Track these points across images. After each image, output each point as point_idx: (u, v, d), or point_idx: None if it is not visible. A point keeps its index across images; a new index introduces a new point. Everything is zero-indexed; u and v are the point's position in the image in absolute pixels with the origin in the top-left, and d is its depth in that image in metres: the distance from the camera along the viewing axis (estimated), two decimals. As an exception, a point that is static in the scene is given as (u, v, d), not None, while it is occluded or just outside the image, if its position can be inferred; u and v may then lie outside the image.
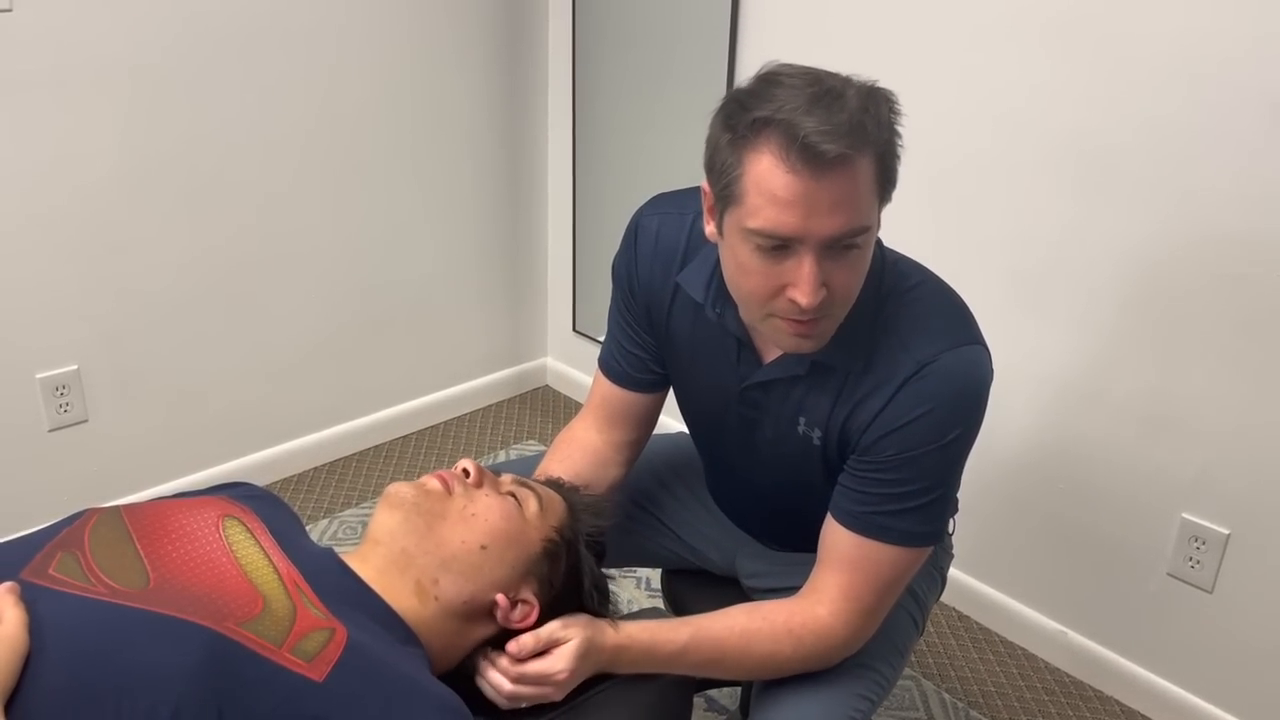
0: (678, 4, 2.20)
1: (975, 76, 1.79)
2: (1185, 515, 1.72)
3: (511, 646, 1.03)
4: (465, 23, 2.41)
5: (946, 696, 1.90)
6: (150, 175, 2.04)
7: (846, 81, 0.97)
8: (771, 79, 0.97)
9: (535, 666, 1.03)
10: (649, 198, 1.29)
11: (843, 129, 0.92)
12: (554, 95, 2.60)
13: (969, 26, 1.77)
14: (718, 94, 2.21)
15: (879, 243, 1.12)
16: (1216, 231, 1.58)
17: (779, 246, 0.97)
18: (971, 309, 1.14)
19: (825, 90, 0.94)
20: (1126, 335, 1.73)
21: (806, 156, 0.92)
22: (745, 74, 2.10)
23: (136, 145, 2.00)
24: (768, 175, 0.94)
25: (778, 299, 1.00)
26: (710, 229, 1.06)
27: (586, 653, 1.05)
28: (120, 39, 1.93)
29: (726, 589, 1.41)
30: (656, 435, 1.41)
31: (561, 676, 1.03)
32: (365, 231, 2.40)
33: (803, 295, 0.98)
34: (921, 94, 1.86)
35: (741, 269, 1.02)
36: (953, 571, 2.04)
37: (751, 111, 0.95)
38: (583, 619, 1.07)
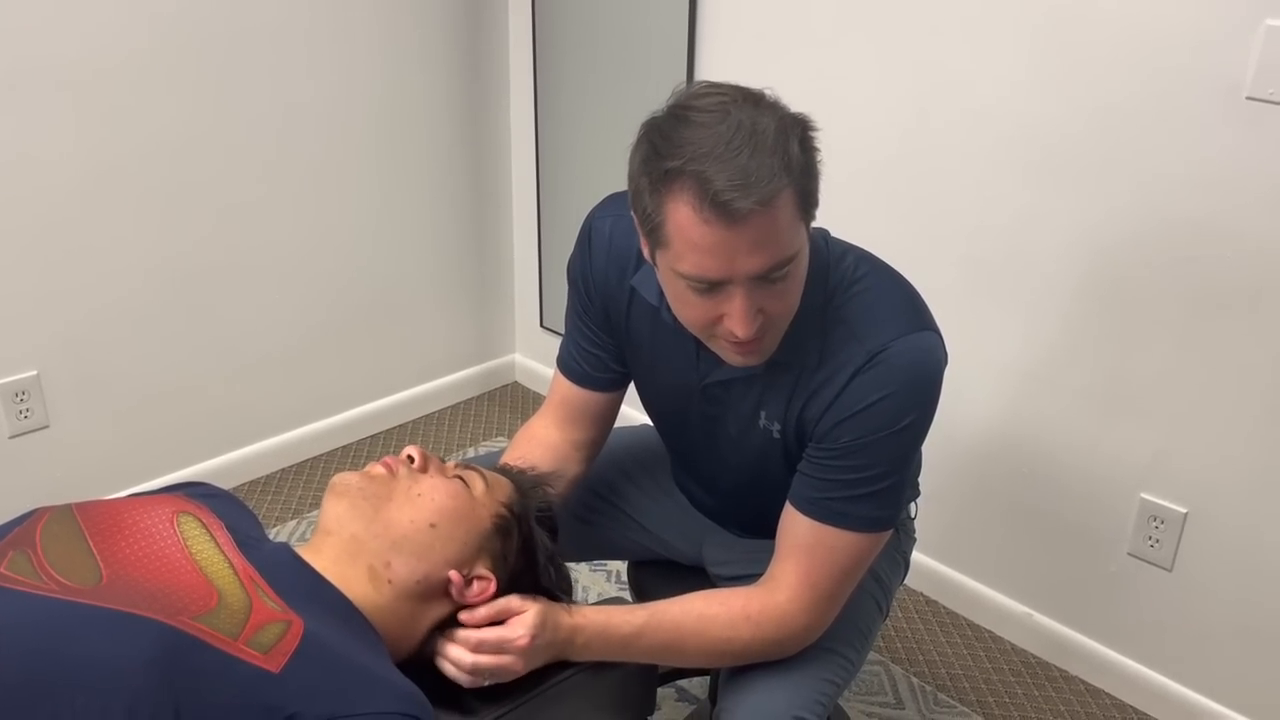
0: (636, 1, 2.21)
1: (930, 66, 1.80)
2: (1144, 495, 1.75)
3: (465, 615, 1.03)
4: (425, 21, 2.40)
5: (915, 680, 1.92)
6: (109, 177, 2.02)
7: (758, 107, 0.97)
8: (682, 116, 0.97)
9: (494, 633, 1.03)
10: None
11: (753, 179, 0.93)
12: (515, 91, 2.60)
13: (924, 16, 1.79)
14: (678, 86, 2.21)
15: (825, 236, 1.14)
16: (1170, 216, 1.61)
17: (710, 285, 0.99)
18: (929, 297, 1.15)
19: (735, 129, 0.94)
20: (1083, 320, 1.75)
21: (719, 212, 0.93)
22: (704, 69, 2.13)
23: (95, 148, 1.98)
24: (686, 226, 0.96)
25: (717, 326, 1.03)
26: (646, 253, 1.07)
27: (544, 624, 1.05)
28: (78, 40, 1.90)
29: (693, 579, 1.42)
30: (619, 428, 1.42)
31: (522, 642, 1.03)
32: (329, 231, 2.39)
33: (738, 328, 1.01)
34: (876, 83, 1.88)
35: (679, 300, 1.05)
36: (919, 556, 2.06)
37: (664, 160, 0.96)
38: (540, 598, 1.08)
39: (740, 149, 0.93)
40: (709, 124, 0.95)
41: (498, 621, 1.05)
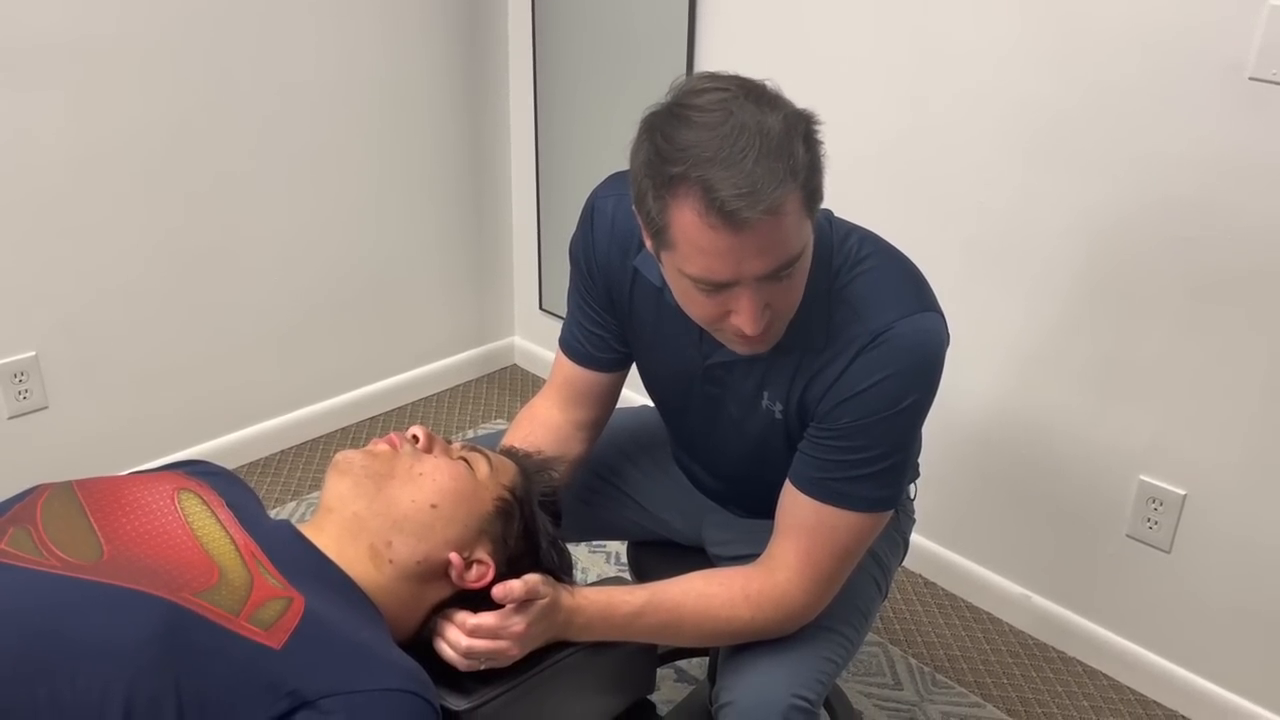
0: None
1: (930, 46, 1.79)
2: (1143, 477, 1.75)
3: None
4: (425, 1, 2.39)
5: (913, 661, 1.92)
6: (105, 157, 2.01)
7: (760, 104, 0.95)
8: (683, 116, 0.96)
9: (490, 618, 1.03)
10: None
11: (759, 186, 0.92)
12: (515, 72, 2.59)
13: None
14: (678, 69, 2.20)
15: (828, 216, 1.13)
16: (1169, 196, 1.60)
17: (716, 286, 0.99)
18: (929, 279, 1.15)
19: (740, 130, 0.93)
20: (1082, 301, 1.75)
21: (726, 219, 0.93)
22: (704, 50, 2.12)
23: (90, 126, 1.97)
24: (692, 231, 0.95)
25: (724, 321, 1.03)
26: (650, 249, 1.06)
27: (545, 613, 1.05)
28: (69, 14, 1.89)
29: (692, 559, 1.42)
30: (618, 409, 1.42)
31: (517, 628, 1.03)
32: (329, 213, 2.38)
33: (747, 326, 1.01)
34: (876, 65, 1.87)
35: (685, 296, 1.05)
36: (918, 538, 2.07)
37: (668, 164, 0.95)
38: (556, 584, 1.08)
39: (745, 152, 0.92)
40: (711, 125, 0.94)
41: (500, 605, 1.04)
